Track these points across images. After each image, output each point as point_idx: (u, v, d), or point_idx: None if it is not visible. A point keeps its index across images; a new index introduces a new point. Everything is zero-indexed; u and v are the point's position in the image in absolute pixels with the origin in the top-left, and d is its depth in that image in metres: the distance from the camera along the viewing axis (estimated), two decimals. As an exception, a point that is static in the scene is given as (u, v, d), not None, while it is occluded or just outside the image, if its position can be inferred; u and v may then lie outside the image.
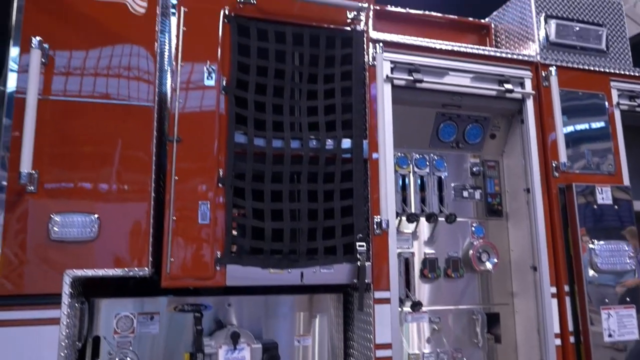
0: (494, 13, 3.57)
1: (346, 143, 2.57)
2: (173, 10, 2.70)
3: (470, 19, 3.56)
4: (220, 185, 2.36)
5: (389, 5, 3.38)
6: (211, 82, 2.46)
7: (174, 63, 2.44)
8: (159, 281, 2.47)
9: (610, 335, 2.75)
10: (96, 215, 2.19)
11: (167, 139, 2.36)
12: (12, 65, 2.22)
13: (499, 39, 3.49)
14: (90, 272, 2.15)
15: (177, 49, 2.45)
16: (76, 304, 2.23)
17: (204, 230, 2.31)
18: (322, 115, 2.58)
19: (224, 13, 2.54)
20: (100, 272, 2.16)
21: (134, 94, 2.34)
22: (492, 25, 3.55)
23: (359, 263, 2.42)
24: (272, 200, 2.43)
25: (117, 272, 2.18)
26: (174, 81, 2.42)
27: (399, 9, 3.41)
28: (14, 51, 2.22)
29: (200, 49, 2.48)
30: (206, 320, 2.47)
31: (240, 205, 2.40)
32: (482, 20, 3.60)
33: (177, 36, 2.46)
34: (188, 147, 2.36)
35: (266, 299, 2.63)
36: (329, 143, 2.53)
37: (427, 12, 3.47)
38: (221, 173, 2.37)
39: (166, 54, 2.82)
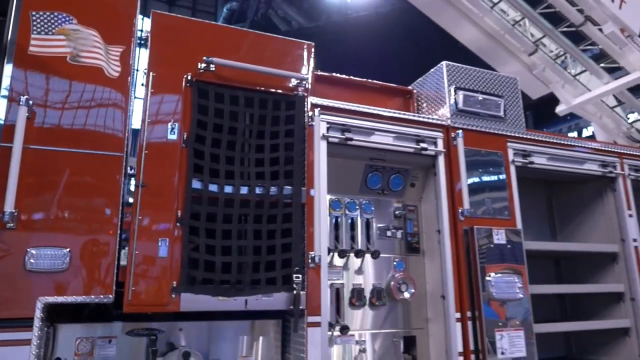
0: (417, 80, 4.25)
1: (287, 190, 3.06)
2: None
3: (397, 85, 4.22)
4: (178, 224, 2.78)
5: (331, 73, 3.98)
6: (173, 137, 2.91)
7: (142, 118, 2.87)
8: (113, 308, 2.82)
9: (502, 353, 3.32)
10: (68, 249, 2.54)
11: (134, 184, 2.76)
12: (-1, 118, 2.58)
13: (419, 103, 4.16)
14: (60, 299, 2.48)
15: (145, 106, 2.89)
16: (44, 328, 2.53)
17: (162, 263, 2.70)
18: (268, 166, 3.07)
19: (187, 78, 3.01)
20: (69, 299, 2.50)
21: (106, 145, 2.74)
22: (415, 92, 4.22)
23: (295, 292, 2.88)
24: (223, 238, 2.86)
25: (84, 299, 2.52)
26: (142, 134, 2.84)
27: (338, 75, 4.01)
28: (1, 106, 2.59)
29: (165, 107, 2.94)
30: (159, 344, 2.82)
31: (195, 242, 2.81)
32: (407, 87, 4.26)
33: (146, 96, 2.91)
34: (152, 191, 2.77)
35: (214, 325, 3.01)
36: (273, 190, 3.02)
37: (361, 79, 4.10)
38: (179, 214, 2.79)
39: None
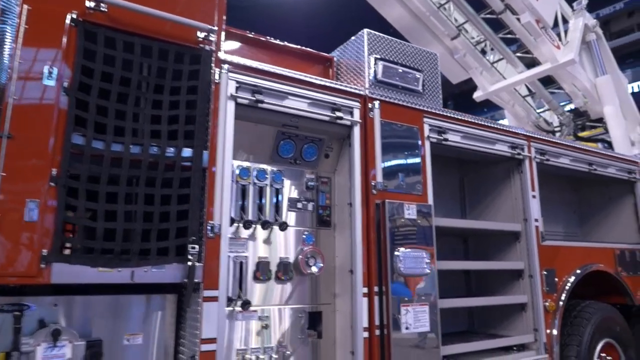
0: (338, 48, 4.07)
1: (187, 152, 2.77)
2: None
3: (317, 51, 4.02)
4: (52, 184, 2.39)
5: (247, 32, 3.69)
6: (51, 82, 2.49)
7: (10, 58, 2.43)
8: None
9: (407, 328, 3.29)
10: None
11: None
12: None
13: (340, 72, 3.99)
14: None
15: (15, 45, 2.44)
16: None
17: (30, 228, 2.32)
18: (166, 124, 2.75)
19: (72, 17, 2.59)
20: None
21: (-39, 86, 2.29)
22: (335, 59, 4.05)
23: (189, 263, 2.61)
24: (108, 201, 2.52)
25: None
26: (10, 76, 2.41)
27: (254, 35, 3.73)
28: None
29: (42, 48, 2.51)
30: (32, 321, 2.44)
31: (73, 205, 2.45)
32: (327, 54, 4.07)
33: (17, 33, 2.46)
34: (20, 144, 2.36)
35: (99, 300, 2.67)
36: (170, 151, 2.71)
37: (279, 42, 3.85)
38: (55, 172, 2.41)
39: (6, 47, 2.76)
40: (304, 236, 3.44)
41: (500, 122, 7.83)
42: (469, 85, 8.25)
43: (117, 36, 2.69)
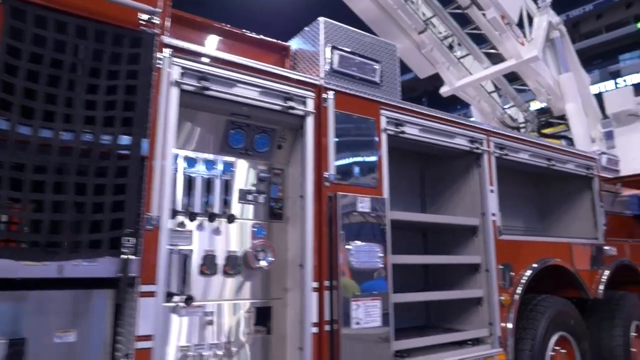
0: (295, 36, 3.96)
1: (125, 140, 2.63)
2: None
3: (273, 40, 3.90)
4: (-29, 172, 2.23)
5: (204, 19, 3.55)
6: (-28, 62, 2.32)
7: None
8: None
9: (357, 323, 3.23)
10: None
11: None
12: None
13: (296, 61, 3.88)
14: None
15: None
16: None
17: (-56, 218, 2.16)
18: (102, 110, 2.60)
19: (-3, -8, 2.42)
20: None
21: None
22: (292, 48, 3.94)
23: (123, 257, 2.48)
24: (35, 191, 2.36)
25: None
26: None
27: (205, 19, 3.60)
28: None
29: (-39, 25, 2.33)
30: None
31: (-6, 195, 2.29)
32: (284, 43, 3.96)
33: None
34: None
35: (27, 295, 2.50)
36: (105, 138, 2.56)
37: (233, 28, 3.72)
38: (-26, 159, 2.24)
39: None
40: (255, 229, 3.34)
41: (473, 119, 7.91)
42: (443, 83, 8.24)
43: (49, 15, 2.52)
